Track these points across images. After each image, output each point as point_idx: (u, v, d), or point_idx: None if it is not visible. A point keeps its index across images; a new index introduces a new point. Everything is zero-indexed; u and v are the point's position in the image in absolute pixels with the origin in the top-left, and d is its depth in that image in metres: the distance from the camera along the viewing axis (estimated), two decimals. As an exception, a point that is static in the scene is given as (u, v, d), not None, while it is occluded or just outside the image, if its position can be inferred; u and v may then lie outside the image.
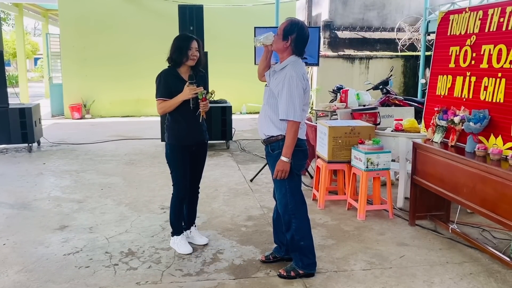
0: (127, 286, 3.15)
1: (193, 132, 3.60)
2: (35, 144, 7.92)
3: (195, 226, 3.94)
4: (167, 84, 3.51)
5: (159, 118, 8.20)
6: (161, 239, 3.97)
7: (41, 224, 4.32)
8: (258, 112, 13.18)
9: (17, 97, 11.66)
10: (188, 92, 3.45)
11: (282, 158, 3.10)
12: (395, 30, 14.01)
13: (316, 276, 3.30)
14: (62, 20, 12.20)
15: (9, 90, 7.80)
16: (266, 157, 3.36)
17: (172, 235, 3.78)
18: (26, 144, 7.63)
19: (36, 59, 36.09)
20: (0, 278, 3.24)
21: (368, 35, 14.21)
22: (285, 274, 3.27)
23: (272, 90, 3.19)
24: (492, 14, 3.73)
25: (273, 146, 3.22)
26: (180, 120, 3.55)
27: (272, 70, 3.26)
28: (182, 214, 3.79)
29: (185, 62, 3.50)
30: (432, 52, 4.59)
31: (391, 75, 9.23)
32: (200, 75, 3.64)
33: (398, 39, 13.84)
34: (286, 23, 3.18)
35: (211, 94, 3.65)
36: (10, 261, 3.53)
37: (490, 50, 3.71)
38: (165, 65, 3.63)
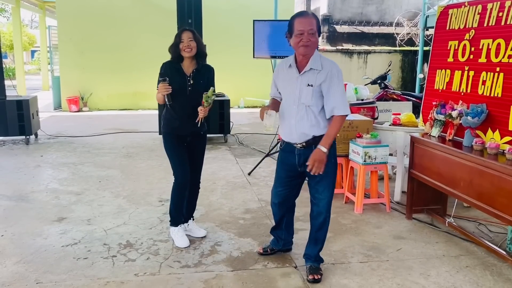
0: (125, 278, 3.16)
1: (186, 124, 3.54)
2: (32, 137, 7.90)
3: (193, 219, 3.93)
4: (165, 75, 3.50)
5: (156, 112, 8.18)
6: (159, 231, 3.98)
7: (39, 216, 4.32)
8: (256, 106, 13.26)
9: (14, 90, 11.60)
10: (159, 88, 3.43)
11: (322, 148, 2.92)
12: (394, 25, 14.00)
13: (314, 268, 3.32)
14: (60, 12, 12.15)
15: (6, 82, 7.76)
16: (302, 161, 3.06)
17: (171, 225, 3.77)
18: (24, 137, 7.62)
19: (33, 52, 35.93)
20: (-2, 269, 3.25)
21: (366, 29, 14.20)
22: (319, 277, 3.15)
23: (314, 88, 2.95)
24: (491, 9, 3.73)
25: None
26: (172, 111, 3.55)
27: (293, 70, 3.04)
28: (182, 205, 3.74)
29: (181, 54, 3.48)
30: (431, 47, 4.60)
31: (389, 70, 9.22)
32: (203, 70, 3.56)
33: (397, 33, 13.84)
34: (316, 19, 2.94)
35: (212, 97, 3.42)
36: (8, 252, 3.54)
37: (488, 44, 3.72)
38: (164, 58, 3.62)
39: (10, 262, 3.37)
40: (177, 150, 3.60)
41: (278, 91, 3.20)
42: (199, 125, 3.53)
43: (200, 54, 3.54)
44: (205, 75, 3.58)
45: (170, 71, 3.51)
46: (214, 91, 3.42)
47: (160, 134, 7.70)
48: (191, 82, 3.50)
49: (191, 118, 3.50)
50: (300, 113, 3.00)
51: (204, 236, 3.85)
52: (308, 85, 2.96)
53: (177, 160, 3.61)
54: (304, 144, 3.04)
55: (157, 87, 3.47)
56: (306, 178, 3.20)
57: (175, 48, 3.48)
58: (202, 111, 3.43)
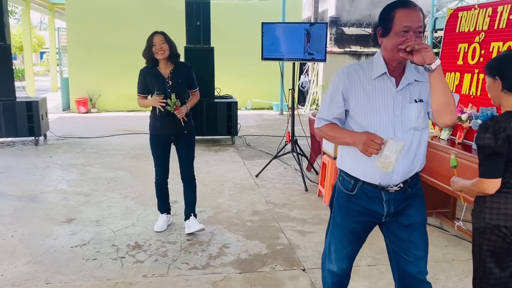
0: (134, 279, 3.18)
1: (168, 125, 3.76)
2: (41, 138, 7.96)
3: (195, 216, 3.99)
4: (144, 81, 3.73)
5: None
6: (167, 232, 4.00)
7: (48, 217, 4.35)
8: (264, 108, 13.27)
9: (23, 91, 11.71)
10: (152, 102, 3.68)
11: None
12: (402, 27, 13.94)
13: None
14: (69, 14, 12.24)
15: (16, 83, 7.84)
16: (393, 210, 2.19)
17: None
18: (33, 138, 7.67)
19: (42, 53, 36.21)
20: (8, 269, 3.28)
21: (374, 31, 14.16)
22: None
23: (423, 104, 2.09)
24: (502, 11, 3.71)
25: (417, 182, 2.25)
26: (156, 114, 3.75)
27: (385, 81, 2.07)
28: (163, 198, 4.06)
29: (156, 57, 3.62)
30: (440, 49, 4.58)
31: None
32: (181, 69, 3.75)
33: (405, 36, 13.78)
34: (423, 12, 2.02)
35: (175, 104, 3.67)
36: (18, 252, 3.57)
37: (499, 47, 3.70)
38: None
39: (20, 262, 3.40)
40: (158, 151, 3.88)
41: (345, 112, 2.14)
42: (183, 124, 3.74)
43: (173, 55, 3.69)
44: (183, 73, 3.77)
45: (148, 77, 3.69)
46: (193, 87, 3.87)
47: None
48: (170, 83, 3.69)
49: (173, 118, 3.70)
50: (406, 142, 2.05)
51: (203, 229, 3.92)
52: (416, 100, 2.07)
53: (157, 161, 3.93)
54: (401, 185, 2.14)
55: (137, 92, 3.80)
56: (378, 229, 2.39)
57: (148, 52, 3.63)
58: (176, 113, 3.66)
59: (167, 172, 3.99)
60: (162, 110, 3.65)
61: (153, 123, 3.84)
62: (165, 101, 3.62)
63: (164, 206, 4.11)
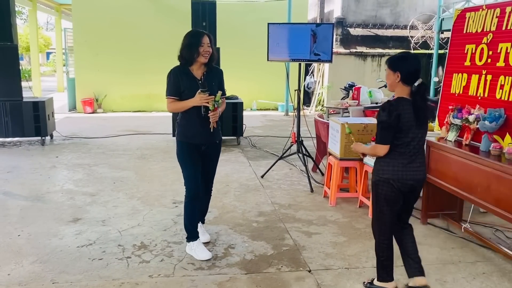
0: (140, 279, 3.18)
1: (202, 133, 3.44)
2: (48, 138, 8.00)
3: (202, 222, 3.86)
4: (177, 83, 3.38)
5: (170, 114, 8.20)
6: (173, 233, 4.00)
7: (54, 216, 4.37)
8: (269, 109, 13.26)
9: (30, 91, 11.77)
10: (198, 100, 3.31)
11: None
12: (408, 28, 13.89)
13: (328, 272, 3.31)
14: (75, 15, 12.30)
15: (23, 84, 7.88)
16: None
17: (188, 241, 3.58)
18: (39, 138, 7.71)
19: (48, 54, 36.40)
20: (15, 269, 3.29)
21: (380, 32, 14.12)
22: None
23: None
24: (510, 12, 3.68)
25: None
26: (189, 119, 3.42)
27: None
28: (196, 218, 3.60)
29: (197, 59, 3.35)
30: (447, 50, 4.55)
31: (404, 73, 9.14)
32: (213, 72, 3.48)
33: (411, 36, 13.73)
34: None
35: (219, 101, 3.40)
36: (25, 252, 3.58)
37: (507, 48, 3.67)
38: (177, 60, 3.50)
39: (27, 262, 3.41)
40: (190, 161, 3.47)
41: None
42: (212, 130, 3.44)
43: (212, 59, 3.43)
44: (216, 77, 3.50)
45: (182, 77, 3.39)
46: (223, 94, 3.40)
47: (174, 136, 7.74)
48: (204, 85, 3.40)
49: (206, 125, 3.42)
50: None
51: (208, 242, 3.76)
52: None
53: (191, 171, 3.48)
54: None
55: (167, 95, 3.41)
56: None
57: (193, 51, 3.31)
58: (211, 115, 3.37)
59: (200, 183, 3.54)
60: (204, 111, 3.35)
61: (184, 131, 3.45)
62: (213, 97, 3.30)
63: (196, 228, 3.62)
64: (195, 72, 3.42)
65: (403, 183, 2.82)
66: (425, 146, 4.19)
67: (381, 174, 2.86)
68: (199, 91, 3.32)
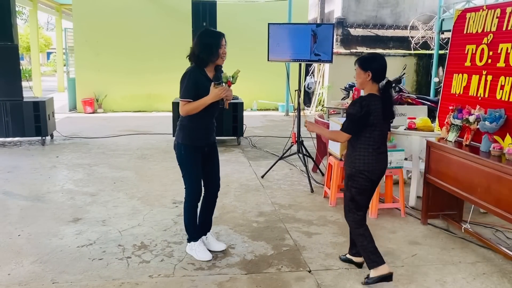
0: (140, 279, 3.18)
1: (207, 133, 3.42)
2: (48, 138, 8.00)
3: (211, 232, 3.73)
4: (197, 85, 3.23)
5: (170, 114, 8.23)
6: (173, 233, 4.00)
7: (55, 216, 4.37)
8: (269, 109, 13.27)
9: (30, 91, 11.78)
10: (218, 93, 3.18)
11: None
12: (409, 28, 13.89)
13: (328, 273, 3.31)
14: (76, 15, 12.31)
15: (23, 83, 7.87)
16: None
17: (189, 241, 3.55)
18: (40, 137, 7.72)
19: (48, 54, 36.42)
20: (15, 269, 3.30)
21: (381, 32, 14.12)
22: None
23: None
24: (510, 13, 3.68)
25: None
26: (198, 119, 3.31)
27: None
28: (197, 218, 3.56)
29: (216, 61, 3.25)
30: (447, 51, 4.55)
31: (404, 74, 9.16)
32: (219, 72, 3.40)
33: (412, 37, 13.73)
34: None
35: (236, 77, 3.32)
36: (25, 252, 3.58)
37: (507, 48, 3.67)
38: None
39: (27, 261, 3.41)
40: (196, 164, 3.40)
41: None
42: (225, 107, 3.34)
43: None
44: (221, 79, 3.40)
45: (200, 78, 3.25)
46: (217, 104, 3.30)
47: (173, 136, 7.74)
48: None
49: (213, 126, 3.46)
50: None
51: (224, 250, 3.64)
52: None
53: (196, 174, 3.43)
54: None
55: (184, 97, 3.23)
56: None
57: (213, 51, 3.20)
58: (228, 92, 3.23)
59: (202, 187, 3.51)
60: (221, 106, 3.29)
61: (191, 133, 3.35)
62: (231, 89, 3.22)
63: (197, 229, 3.58)
64: (209, 74, 3.31)
65: (374, 172, 3.09)
66: (424, 146, 4.23)
67: (356, 166, 3.07)
68: (214, 84, 3.20)
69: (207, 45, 3.22)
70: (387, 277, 3.08)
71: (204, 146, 3.44)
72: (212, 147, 3.55)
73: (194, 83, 3.23)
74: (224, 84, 3.25)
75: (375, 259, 3.09)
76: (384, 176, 4.62)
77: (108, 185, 5.41)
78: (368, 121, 2.99)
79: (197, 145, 3.39)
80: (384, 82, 3.08)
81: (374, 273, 3.09)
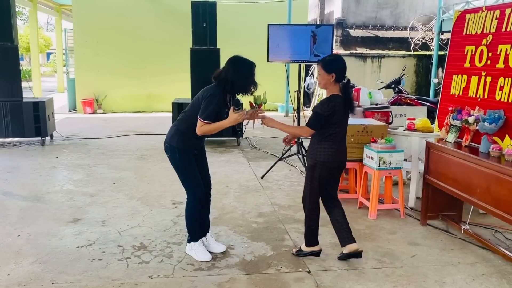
0: (139, 280, 3.18)
1: (202, 141, 3.59)
2: (48, 138, 8.00)
3: (210, 233, 3.75)
4: (219, 108, 3.31)
5: (170, 114, 8.23)
6: (172, 233, 4.00)
7: (54, 217, 4.37)
8: (269, 110, 13.26)
9: (30, 91, 11.78)
10: (237, 118, 3.25)
11: None
12: (408, 29, 13.91)
13: (327, 273, 3.31)
14: (76, 16, 12.31)
15: (23, 84, 7.88)
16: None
17: (189, 242, 3.56)
18: (39, 138, 7.71)
19: (48, 54, 36.41)
20: (15, 269, 3.30)
21: (380, 33, 14.13)
22: None
23: None
24: (510, 14, 3.69)
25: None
26: (194, 133, 3.37)
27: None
28: (201, 216, 3.58)
29: (248, 92, 3.36)
30: (447, 52, 4.56)
31: (404, 74, 9.17)
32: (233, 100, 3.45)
33: (411, 38, 13.75)
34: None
35: (264, 99, 3.50)
36: (24, 252, 3.58)
37: (507, 50, 3.68)
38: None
39: (27, 262, 3.41)
40: (193, 164, 3.49)
41: None
42: (253, 128, 3.55)
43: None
44: (239, 103, 3.47)
45: (222, 103, 3.34)
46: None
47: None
48: (227, 111, 3.41)
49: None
50: None
51: (224, 252, 3.64)
52: None
53: (195, 174, 3.48)
54: None
55: (204, 118, 3.25)
56: None
57: (250, 83, 3.34)
58: (247, 115, 3.33)
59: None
60: (238, 129, 3.35)
61: (188, 140, 3.46)
62: (250, 112, 3.33)
63: (202, 228, 3.63)
64: (226, 100, 3.42)
65: (334, 164, 3.39)
66: (424, 147, 4.24)
67: (318, 158, 3.36)
68: (233, 109, 3.25)
69: (245, 75, 3.34)
70: (317, 253, 3.55)
71: (196, 149, 3.57)
72: (201, 149, 3.66)
73: (218, 106, 3.29)
74: (256, 106, 3.42)
75: (313, 239, 3.55)
76: (384, 177, 4.66)
77: (107, 186, 5.41)
78: (332, 119, 3.27)
79: (191, 149, 3.51)
80: (345, 81, 3.33)
81: (307, 249, 3.55)
